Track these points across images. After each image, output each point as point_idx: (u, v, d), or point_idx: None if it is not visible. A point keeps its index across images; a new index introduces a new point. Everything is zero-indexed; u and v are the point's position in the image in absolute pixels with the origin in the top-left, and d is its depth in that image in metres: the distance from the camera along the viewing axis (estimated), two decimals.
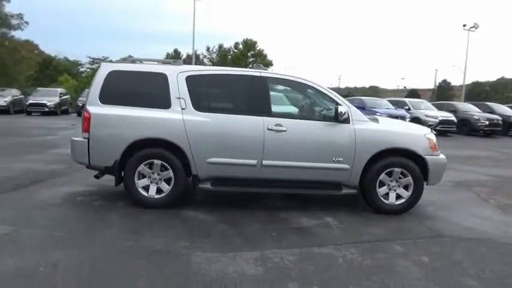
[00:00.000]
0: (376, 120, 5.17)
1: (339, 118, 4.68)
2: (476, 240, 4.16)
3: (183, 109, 4.71)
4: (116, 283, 2.96)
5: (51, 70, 48.65)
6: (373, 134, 4.87)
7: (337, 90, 77.42)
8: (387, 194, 4.92)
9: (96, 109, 4.70)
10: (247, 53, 57.38)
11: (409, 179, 4.89)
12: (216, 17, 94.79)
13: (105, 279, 3.01)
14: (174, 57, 50.88)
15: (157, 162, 4.70)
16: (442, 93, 61.95)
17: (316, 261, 3.44)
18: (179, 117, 4.68)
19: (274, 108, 5.04)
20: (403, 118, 15.99)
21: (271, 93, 5.74)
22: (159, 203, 4.73)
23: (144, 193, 4.73)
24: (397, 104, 18.42)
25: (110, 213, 4.58)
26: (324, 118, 4.89)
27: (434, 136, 5.10)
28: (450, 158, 9.97)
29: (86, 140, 4.69)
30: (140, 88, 4.80)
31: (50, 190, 5.37)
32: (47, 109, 20.17)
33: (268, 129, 4.70)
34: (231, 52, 58.00)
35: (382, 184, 4.91)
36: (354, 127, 4.82)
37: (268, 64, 57.25)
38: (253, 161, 4.73)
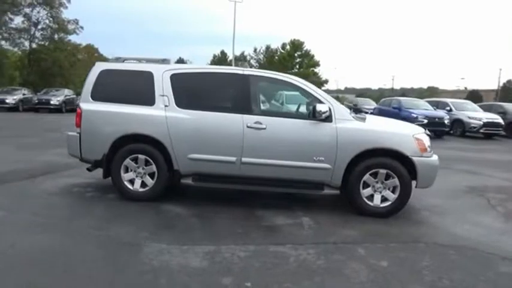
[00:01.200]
0: (363, 119, 4.98)
1: (316, 116, 4.59)
2: (455, 247, 3.88)
3: (166, 106, 4.87)
4: (60, 265, 3.14)
5: None
6: (356, 133, 4.72)
7: (391, 91, 74.58)
8: (372, 195, 4.75)
9: (87, 105, 5.01)
10: (294, 53, 57.05)
11: (395, 181, 4.68)
12: (265, 19, 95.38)
13: (55, 262, 3.20)
14: (221, 58, 52.00)
15: (141, 157, 4.90)
16: (507, 94, 57.37)
17: (266, 259, 3.42)
18: (162, 114, 4.84)
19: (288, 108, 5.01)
20: (441, 119, 15.14)
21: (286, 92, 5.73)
22: (143, 196, 4.92)
23: (130, 186, 4.95)
24: (438, 105, 17.42)
25: (96, 203, 4.86)
26: (305, 116, 4.81)
27: (425, 136, 4.83)
28: (482, 163, 9.40)
29: (78, 135, 5.01)
30: (128, 86, 5.04)
31: (54, 181, 5.79)
32: (52, 106, 21.33)
33: (248, 126, 4.72)
34: (278, 53, 57.99)
35: (366, 185, 4.74)
36: (336, 126, 4.70)
37: (315, 64, 56.65)
38: (233, 158, 4.77)
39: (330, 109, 4.68)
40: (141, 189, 4.95)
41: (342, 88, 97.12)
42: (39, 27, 28.59)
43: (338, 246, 3.78)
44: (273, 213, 4.72)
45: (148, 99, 4.90)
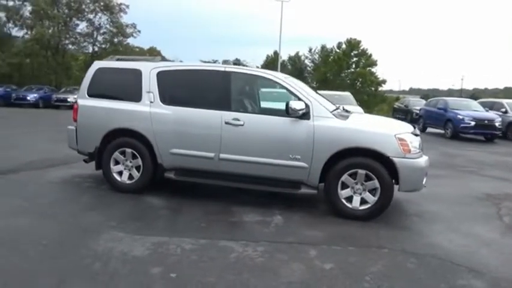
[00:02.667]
0: (345, 117, 4.77)
1: (290, 113, 4.50)
2: (420, 256, 3.59)
3: (151, 102, 5.07)
4: (17, 245, 3.42)
5: None
6: (334, 131, 4.55)
7: (460, 91, 69.43)
8: (351, 197, 4.55)
9: (83, 101, 5.37)
10: (350, 52, 55.53)
11: (375, 183, 4.44)
12: (322, 19, 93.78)
13: (14, 241, 3.50)
14: (274, 59, 52.07)
15: (128, 150, 5.15)
16: None
17: (208, 253, 3.44)
18: (147, 110, 5.05)
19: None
20: (491, 122, 13.91)
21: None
22: (129, 188, 5.17)
23: (118, 178, 5.22)
24: (493, 107, 16.01)
25: (87, 193, 5.20)
26: (283, 113, 4.72)
27: (410, 136, 4.51)
28: None
29: (75, 129, 5.38)
30: (119, 83, 5.31)
31: (60, 171, 6.27)
32: (68, 104, 22.03)
33: (226, 123, 4.76)
34: (333, 52, 56.82)
35: (345, 186, 4.55)
36: (314, 123, 4.57)
37: (372, 64, 54.64)
38: (211, 154, 4.84)
39: (307, 106, 4.57)
40: (128, 181, 5.20)
41: (407, 89, 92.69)
42: (101, 31, 30.79)
43: (291, 246, 3.69)
44: (248, 210, 4.70)
45: (136, 96, 5.13)
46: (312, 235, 4.02)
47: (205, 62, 5.38)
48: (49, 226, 3.95)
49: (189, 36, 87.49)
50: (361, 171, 4.47)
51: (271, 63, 51.08)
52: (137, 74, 5.18)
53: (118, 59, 5.55)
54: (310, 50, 60.85)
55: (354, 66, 56.21)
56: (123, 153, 5.18)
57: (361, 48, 55.26)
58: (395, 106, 25.81)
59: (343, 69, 55.05)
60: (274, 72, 5.04)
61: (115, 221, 4.14)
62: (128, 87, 5.23)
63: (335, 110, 5.03)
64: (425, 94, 73.99)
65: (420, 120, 17.20)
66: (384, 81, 54.10)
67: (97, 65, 5.51)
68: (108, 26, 30.59)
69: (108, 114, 5.22)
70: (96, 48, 29.57)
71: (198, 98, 5.07)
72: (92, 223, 4.06)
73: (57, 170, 6.42)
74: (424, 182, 4.61)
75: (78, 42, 31.02)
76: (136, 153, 5.12)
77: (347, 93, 15.82)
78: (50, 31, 28.39)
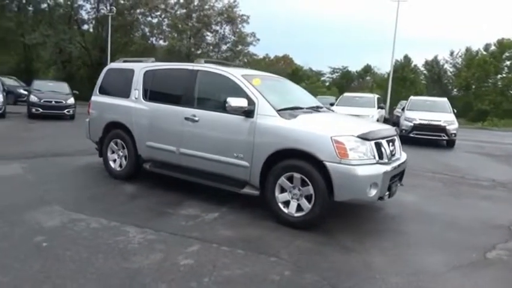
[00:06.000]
0: (293, 116, 4.42)
1: (227, 109, 4.44)
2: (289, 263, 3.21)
3: (136, 98, 5.62)
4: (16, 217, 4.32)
5: (296, 80, 56.08)
6: (272, 131, 4.32)
7: None
8: (289, 202, 4.26)
9: (95, 98, 6.28)
10: (501, 55, 47.83)
11: (309, 189, 4.07)
12: (463, 18, 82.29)
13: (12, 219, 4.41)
14: (403, 64, 48.45)
15: (119, 141, 5.82)
16: None
17: (100, 232, 3.75)
18: (132, 105, 5.62)
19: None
20: None
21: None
22: (120, 175, 5.83)
23: (113, 165, 5.93)
24: None
25: (89, 177, 6.05)
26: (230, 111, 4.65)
27: (350, 139, 3.95)
28: None
29: (88, 121, 6.32)
30: (119, 81, 6.01)
31: (86, 159, 7.15)
32: None
33: (185, 118, 4.99)
34: (479, 55, 49.78)
35: (284, 190, 4.29)
36: (256, 122, 4.43)
37: None
38: (174, 148, 5.12)
39: (251, 104, 4.45)
40: (119, 169, 5.87)
41: None
42: (224, 41, 33.67)
43: (185, 240, 3.69)
44: (195, 204, 4.80)
45: (127, 92, 5.75)
46: (223, 235, 3.91)
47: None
48: (24, 198, 4.75)
49: (317, 42, 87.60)
50: (297, 175, 4.14)
51: (400, 67, 47.57)
52: (131, 73, 5.81)
53: (124, 61, 6.28)
54: (452, 53, 54.60)
55: (505, 70, 48.28)
56: (116, 143, 5.87)
57: None
58: None
59: (492, 74, 47.73)
60: (229, 69, 5.02)
61: (73, 199, 4.79)
62: (123, 85, 5.88)
63: (298, 108, 4.74)
64: None
65: None
66: None
67: (108, 66, 6.36)
68: (230, 35, 33.25)
69: (108, 109, 5.99)
70: (218, 56, 32.39)
71: (170, 95, 5.40)
72: (60, 201, 4.65)
73: (87, 157, 7.20)
74: (373, 194, 3.98)
75: (207, 51, 34.49)
76: (124, 144, 5.74)
77: (442, 100, 14.00)
78: (185, 42, 32.30)
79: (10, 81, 20.56)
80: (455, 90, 52.98)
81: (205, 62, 5.36)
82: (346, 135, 4.00)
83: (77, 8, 32.51)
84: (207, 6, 32.34)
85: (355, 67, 68.95)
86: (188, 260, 3.28)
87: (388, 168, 4.17)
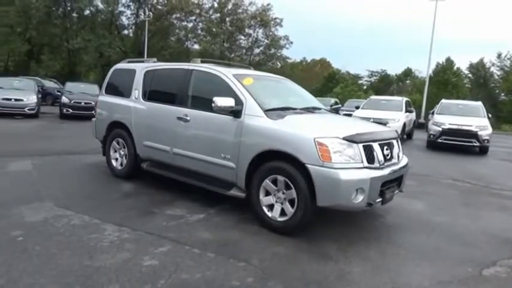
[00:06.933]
0: (280, 117, 4.24)
1: (213, 108, 4.34)
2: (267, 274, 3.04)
3: (135, 98, 5.67)
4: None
5: (333, 83, 55.15)
6: (257, 131, 4.18)
7: None
8: (273, 205, 4.10)
9: (101, 97, 6.41)
10: None
11: (292, 192, 3.89)
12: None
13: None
14: (445, 67, 46.18)
15: (120, 140, 5.89)
16: None
17: (78, 229, 3.76)
18: (132, 105, 5.68)
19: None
20: None
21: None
22: (121, 174, 5.90)
23: (115, 164, 6.02)
24: None
25: (93, 175, 6.16)
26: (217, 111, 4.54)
27: (335, 141, 3.72)
28: None
29: (94, 121, 6.46)
30: (122, 81, 6.09)
31: (92, 158, 7.30)
32: None
33: (177, 118, 4.95)
34: None
35: (268, 193, 4.13)
36: (243, 122, 4.31)
37: None
38: (168, 148, 5.10)
39: (239, 104, 4.34)
40: (120, 168, 5.94)
41: None
42: (257, 44, 33.75)
43: (158, 240, 3.63)
44: (183, 205, 4.74)
45: (128, 92, 5.82)
46: (200, 237, 3.81)
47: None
48: (22, 191, 4.94)
49: (355, 46, 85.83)
50: (280, 178, 3.98)
51: (441, 71, 45.49)
52: (132, 73, 5.88)
53: (129, 61, 6.37)
54: (499, 55, 51.46)
55: None
56: (118, 142, 5.95)
57: None
58: None
59: None
60: (222, 68, 4.92)
61: (67, 196, 4.88)
62: (125, 85, 5.96)
63: (289, 109, 4.57)
64: None
65: None
66: None
67: (115, 66, 6.47)
68: (264, 39, 33.29)
69: (111, 108, 6.09)
70: (251, 59, 32.50)
71: (166, 94, 5.39)
72: (53, 196, 4.82)
73: (89, 156, 7.41)
74: (359, 200, 3.74)
75: (240, 55, 34.74)
76: (124, 144, 5.81)
77: (476, 103, 13.15)
78: (218, 45, 32.73)
79: (50, 84, 21.66)
80: (502, 94, 49.99)
81: (202, 61, 5.31)
82: (330, 137, 3.78)
83: (118, 14, 33.85)
84: (240, 10, 32.62)
85: (395, 70, 66.93)
86: (153, 261, 3.21)
87: (379, 173, 3.91)
